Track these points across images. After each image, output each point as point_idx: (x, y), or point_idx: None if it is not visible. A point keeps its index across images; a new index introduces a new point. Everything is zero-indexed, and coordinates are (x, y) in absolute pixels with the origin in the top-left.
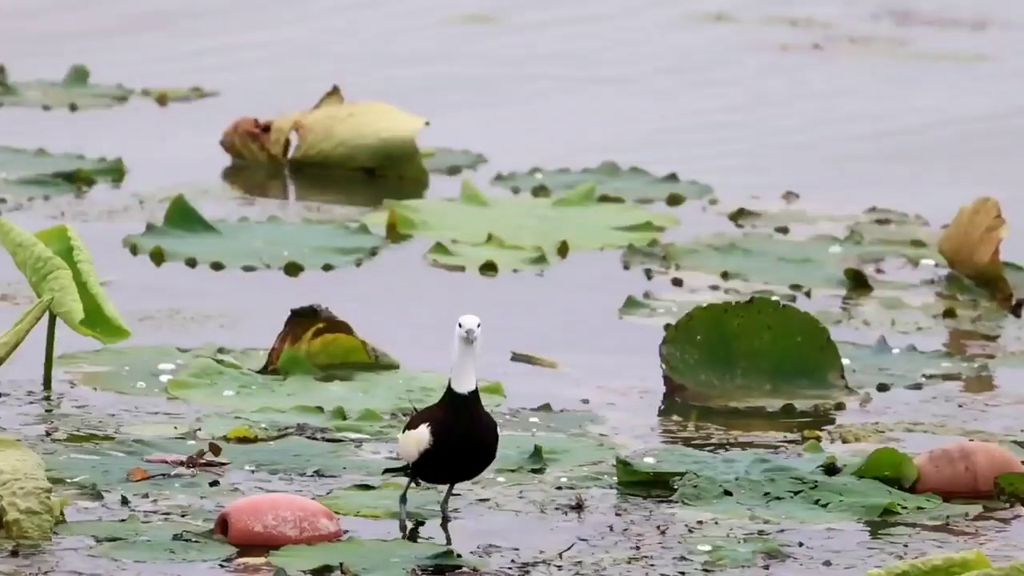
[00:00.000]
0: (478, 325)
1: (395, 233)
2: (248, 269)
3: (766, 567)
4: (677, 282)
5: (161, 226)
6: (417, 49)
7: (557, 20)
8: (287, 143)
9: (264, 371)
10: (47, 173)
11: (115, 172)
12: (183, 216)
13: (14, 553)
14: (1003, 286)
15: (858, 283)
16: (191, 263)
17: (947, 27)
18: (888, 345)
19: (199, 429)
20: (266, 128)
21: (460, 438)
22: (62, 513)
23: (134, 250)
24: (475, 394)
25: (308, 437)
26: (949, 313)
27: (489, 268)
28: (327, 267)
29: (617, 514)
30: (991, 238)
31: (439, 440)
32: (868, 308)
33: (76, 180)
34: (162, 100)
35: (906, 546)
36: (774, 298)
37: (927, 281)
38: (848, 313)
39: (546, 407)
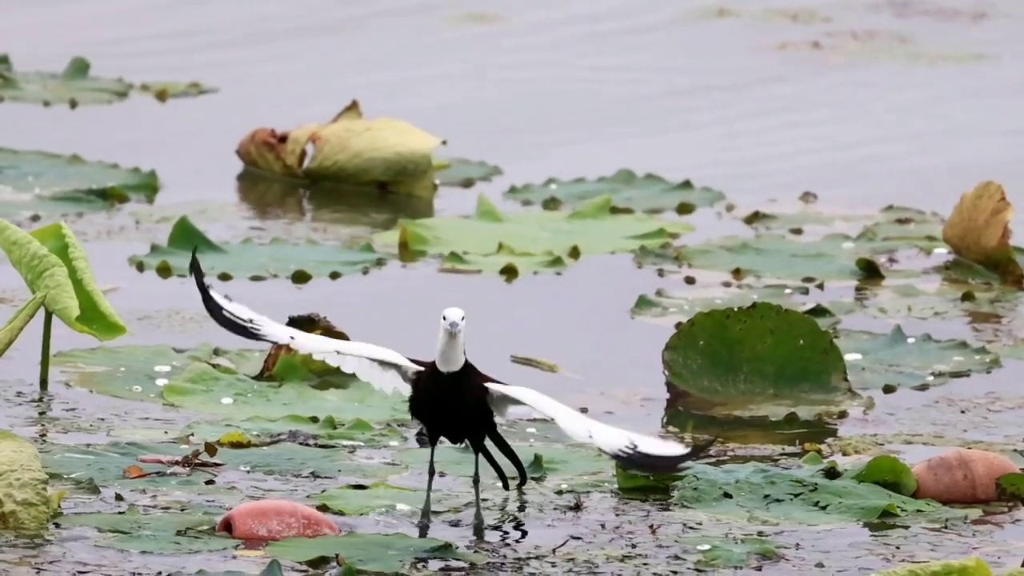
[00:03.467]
0: (462, 318)
1: (407, 252)
2: (256, 279)
3: (758, 568)
4: (690, 280)
5: (165, 247)
6: (434, 62)
7: (574, 36)
8: (303, 154)
9: (260, 377)
10: (81, 188)
11: (148, 188)
12: (186, 236)
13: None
14: (1013, 268)
15: (870, 273)
16: None
17: (947, 18)
18: (904, 334)
19: (191, 434)
20: (283, 139)
21: (435, 403)
22: (59, 506)
23: (140, 267)
24: (462, 370)
25: (300, 443)
26: (968, 296)
27: (508, 271)
28: (334, 275)
29: (616, 514)
30: (998, 221)
31: (415, 397)
32: (884, 296)
33: (109, 197)
34: (161, 96)
35: (898, 548)
36: (787, 291)
37: (939, 267)
38: (861, 303)
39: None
